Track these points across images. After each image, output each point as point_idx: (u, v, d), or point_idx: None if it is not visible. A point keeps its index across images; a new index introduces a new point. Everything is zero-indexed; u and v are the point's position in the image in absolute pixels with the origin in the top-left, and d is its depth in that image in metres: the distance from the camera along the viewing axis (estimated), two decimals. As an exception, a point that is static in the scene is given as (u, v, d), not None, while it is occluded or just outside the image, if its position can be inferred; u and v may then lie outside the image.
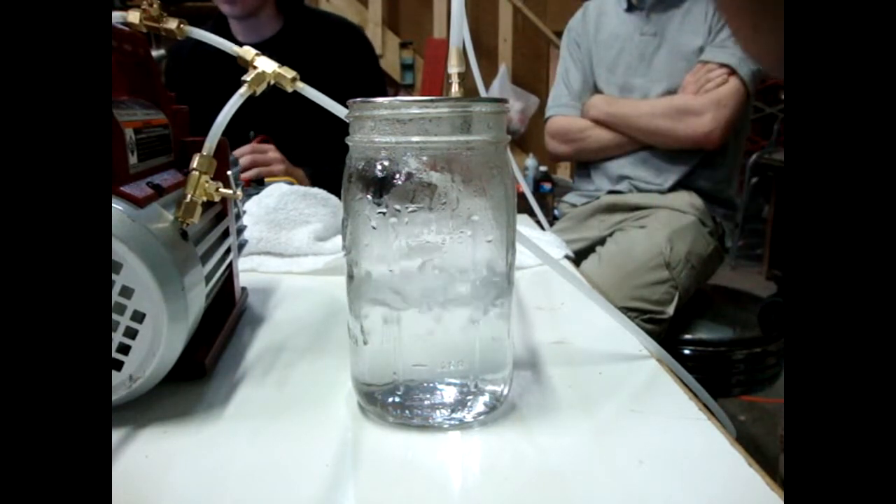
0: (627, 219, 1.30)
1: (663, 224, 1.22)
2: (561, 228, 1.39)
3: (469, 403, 0.37)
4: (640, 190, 1.34)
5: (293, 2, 1.34)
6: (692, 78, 1.27)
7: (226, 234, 0.52)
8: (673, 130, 1.26)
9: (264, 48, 0.46)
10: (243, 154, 1.11)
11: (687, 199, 1.28)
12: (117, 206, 0.35)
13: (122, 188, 0.36)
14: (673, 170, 1.32)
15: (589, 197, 1.42)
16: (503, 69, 3.55)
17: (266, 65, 0.42)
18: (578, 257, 1.27)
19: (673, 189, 1.31)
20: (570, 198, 1.50)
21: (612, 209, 1.34)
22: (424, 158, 0.34)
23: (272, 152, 1.15)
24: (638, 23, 1.34)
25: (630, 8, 1.35)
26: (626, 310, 1.08)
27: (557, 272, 0.45)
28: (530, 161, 3.17)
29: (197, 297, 0.40)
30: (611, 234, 1.29)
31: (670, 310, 1.11)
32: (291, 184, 0.85)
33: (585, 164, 1.46)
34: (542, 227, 0.97)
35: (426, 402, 0.37)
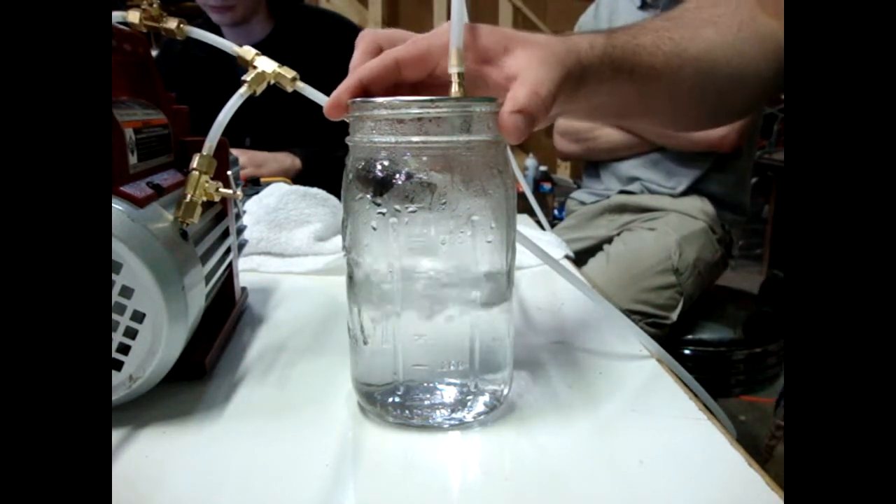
0: (637, 219, 1.28)
1: (673, 228, 1.20)
2: (567, 226, 1.37)
3: (469, 403, 0.37)
4: (651, 192, 1.32)
5: (284, 3, 1.32)
6: None
7: (226, 234, 0.52)
8: (688, 133, 1.24)
9: None
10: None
11: (699, 205, 1.26)
12: (117, 206, 0.35)
13: (122, 188, 0.36)
14: (685, 173, 1.29)
15: (598, 196, 1.40)
16: (503, 69, 3.55)
17: (266, 64, 0.42)
18: (585, 256, 1.25)
19: (685, 194, 1.29)
20: (578, 195, 1.47)
21: (621, 209, 1.32)
22: (424, 158, 0.34)
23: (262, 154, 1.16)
24: None
25: (643, 5, 1.31)
26: (630, 312, 1.08)
27: (557, 272, 0.45)
28: (530, 161, 3.17)
29: (197, 297, 0.40)
30: (619, 234, 1.27)
31: (674, 315, 1.11)
32: (291, 184, 0.85)
33: (594, 163, 1.43)
34: (542, 227, 0.97)
35: (426, 402, 0.37)
